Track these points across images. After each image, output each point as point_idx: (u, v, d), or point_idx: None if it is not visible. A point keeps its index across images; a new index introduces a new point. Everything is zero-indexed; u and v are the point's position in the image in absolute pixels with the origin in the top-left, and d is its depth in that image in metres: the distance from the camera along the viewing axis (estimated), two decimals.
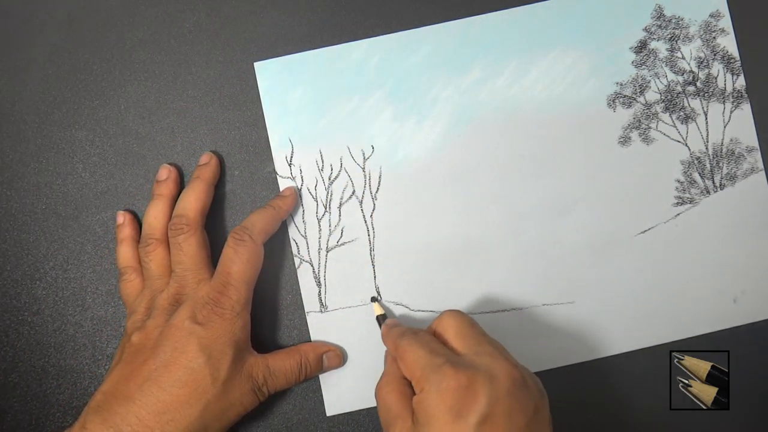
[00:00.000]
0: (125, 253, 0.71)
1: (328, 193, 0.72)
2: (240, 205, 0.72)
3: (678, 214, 0.72)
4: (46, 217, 0.72)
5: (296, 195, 0.71)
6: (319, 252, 0.72)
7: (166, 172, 0.71)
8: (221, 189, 0.72)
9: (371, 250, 0.72)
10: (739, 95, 0.73)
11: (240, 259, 0.65)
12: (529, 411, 0.57)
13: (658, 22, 0.73)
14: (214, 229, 0.71)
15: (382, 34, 0.72)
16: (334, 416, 0.72)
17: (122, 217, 0.71)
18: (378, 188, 0.72)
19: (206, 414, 0.62)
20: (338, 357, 0.71)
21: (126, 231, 0.71)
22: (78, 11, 0.72)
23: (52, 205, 0.72)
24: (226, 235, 0.71)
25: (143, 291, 0.68)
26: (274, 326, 0.72)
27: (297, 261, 0.72)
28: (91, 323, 0.72)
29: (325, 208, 0.72)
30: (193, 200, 0.68)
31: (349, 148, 0.72)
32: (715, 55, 0.73)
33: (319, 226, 0.72)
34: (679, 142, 0.73)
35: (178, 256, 0.67)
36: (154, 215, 0.69)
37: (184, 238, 0.67)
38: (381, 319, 0.70)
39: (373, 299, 0.72)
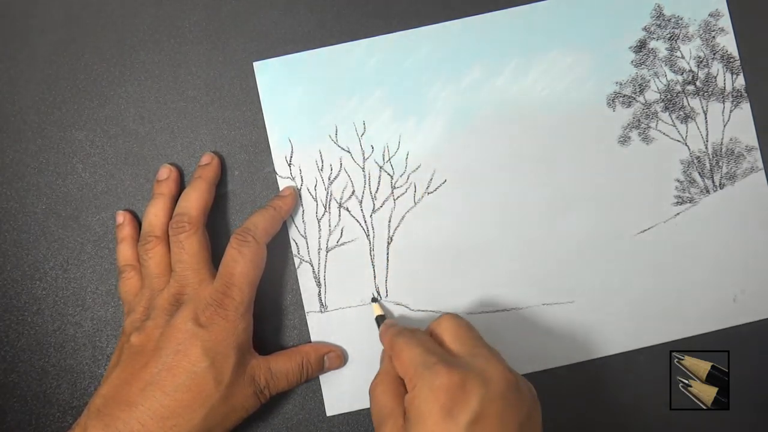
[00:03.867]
0: (125, 251, 0.71)
1: (327, 193, 0.72)
2: (240, 205, 0.72)
3: (678, 214, 0.72)
4: (46, 217, 0.72)
5: (296, 195, 0.71)
6: (319, 252, 0.72)
7: (166, 172, 0.71)
8: (221, 189, 0.72)
9: (371, 250, 0.72)
10: (739, 94, 0.73)
11: (244, 260, 0.65)
12: (522, 416, 0.57)
13: (658, 22, 0.73)
14: (214, 229, 0.70)
15: (382, 34, 0.72)
16: (334, 416, 0.72)
17: (122, 217, 0.71)
18: (378, 188, 0.72)
19: (210, 419, 0.62)
20: (339, 357, 0.71)
21: (126, 230, 0.71)
22: (78, 11, 0.72)
23: (52, 205, 0.72)
24: (226, 235, 0.71)
25: (142, 290, 0.68)
26: (274, 326, 0.72)
27: (297, 261, 0.72)
28: (91, 323, 0.72)
29: (325, 208, 0.72)
30: (195, 199, 0.68)
31: (348, 148, 0.72)
32: (714, 54, 0.73)
33: (319, 226, 0.72)
34: (678, 141, 0.73)
35: (180, 255, 0.67)
36: (155, 213, 0.69)
37: (185, 236, 0.67)
38: (380, 320, 0.70)
39: (374, 299, 0.71)
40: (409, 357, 0.59)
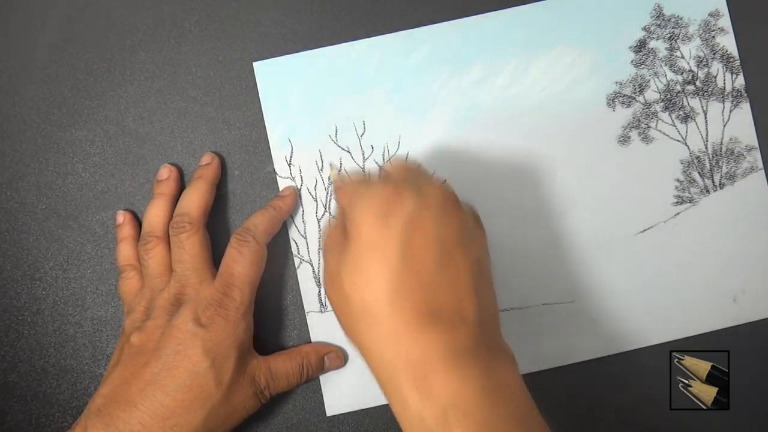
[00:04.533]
0: (125, 251, 0.71)
1: (327, 193, 0.72)
2: (240, 205, 0.72)
3: (677, 214, 0.72)
4: (46, 217, 0.72)
5: (296, 195, 0.71)
6: (319, 252, 0.72)
7: (166, 172, 0.71)
8: (221, 189, 0.72)
9: None
10: (739, 94, 0.73)
11: (244, 260, 0.65)
12: (461, 225, 0.57)
13: (658, 22, 0.73)
14: (213, 229, 0.70)
15: (382, 34, 0.73)
16: (334, 416, 0.72)
17: (122, 217, 0.71)
18: None
19: (210, 419, 0.62)
20: (339, 358, 0.71)
21: (126, 230, 0.71)
22: (78, 11, 0.72)
23: (52, 205, 0.72)
24: (225, 235, 0.71)
25: (142, 290, 0.68)
26: (274, 326, 0.72)
27: (297, 261, 0.72)
28: (91, 323, 0.72)
29: (325, 208, 0.72)
30: (196, 199, 0.68)
31: (348, 148, 0.72)
32: (714, 54, 0.73)
33: (319, 226, 0.72)
34: (678, 141, 0.73)
35: (180, 255, 0.67)
36: (155, 213, 0.69)
37: (186, 236, 0.67)
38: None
39: (331, 165, 0.73)
40: (351, 183, 0.60)
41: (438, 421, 0.51)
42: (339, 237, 0.60)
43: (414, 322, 0.54)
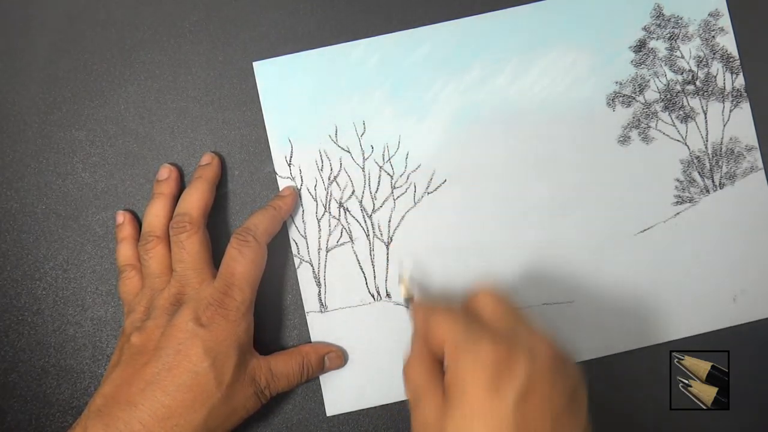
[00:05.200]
0: (125, 251, 0.71)
1: (327, 193, 0.72)
2: (240, 205, 0.72)
3: (677, 213, 0.72)
4: (46, 217, 0.72)
5: (296, 194, 0.71)
6: (319, 252, 0.72)
7: (166, 172, 0.71)
8: (221, 189, 0.72)
9: (371, 250, 0.72)
10: (739, 94, 0.73)
11: (245, 260, 0.65)
12: (569, 391, 0.54)
13: (658, 22, 0.73)
14: (213, 229, 0.70)
15: (382, 34, 0.73)
16: (334, 416, 0.72)
17: (122, 217, 0.71)
18: (378, 188, 0.72)
19: (211, 419, 0.62)
20: (339, 358, 0.71)
21: (126, 230, 0.71)
22: (78, 11, 0.73)
23: (52, 205, 0.72)
24: (225, 235, 0.71)
25: (143, 290, 0.68)
26: (274, 326, 0.72)
27: (297, 261, 0.72)
28: (91, 323, 0.72)
29: (325, 208, 0.72)
30: (196, 199, 0.68)
31: (348, 148, 0.72)
32: (714, 54, 0.73)
33: (319, 226, 0.72)
34: (678, 141, 0.73)
35: (180, 255, 0.67)
36: (155, 213, 0.70)
37: (186, 236, 0.67)
38: (408, 302, 0.69)
39: (400, 280, 0.71)
40: (449, 333, 0.56)
41: None
42: (428, 380, 0.57)
43: None
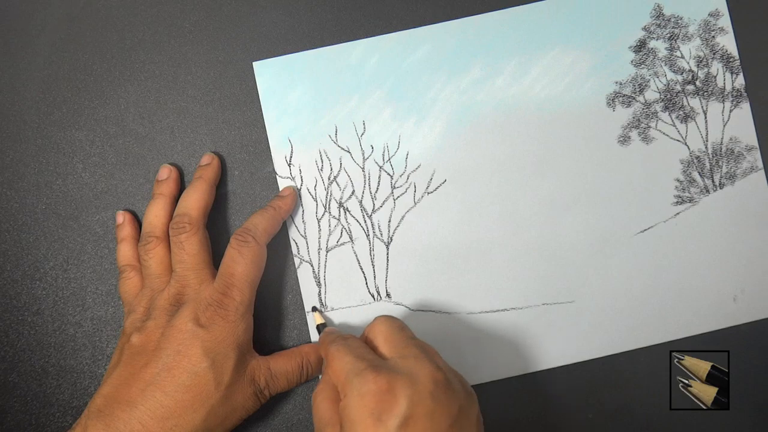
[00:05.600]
0: (125, 251, 0.71)
1: (327, 193, 0.72)
2: (240, 205, 0.72)
3: (677, 213, 0.72)
4: (46, 217, 0.72)
5: (296, 195, 0.71)
6: (319, 252, 0.72)
7: (166, 172, 0.71)
8: (221, 189, 0.72)
9: (371, 250, 0.72)
10: (739, 94, 0.73)
11: (244, 261, 0.65)
12: (453, 412, 0.56)
13: (658, 21, 0.73)
14: (213, 229, 0.71)
15: (382, 34, 0.73)
16: None
17: (122, 217, 0.71)
18: (377, 188, 0.72)
19: (210, 419, 0.62)
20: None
21: (126, 230, 0.71)
22: (78, 11, 0.73)
23: (52, 205, 0.72)
24: (225, 235, 0.71)
25: (143, 290, 0.68)
26: (274, 326, 0.72)
27: (297, 261, 0.72)
28: (91, 323, 0.72)
29: (325, 208, 0.72)
30: (196, 200, 0.68)
31: (348, 148, 0.72)
32: (714, 54, 0.73)
33: (319, 226, 0.72)
34: (678, 141, 0.73)
35: (180, 255, 0.67)
36: (155, 214, 0.70)
37: (186, 236, 0.67)
38: (321, 328, 0.70)
39: (314, 309, 0.72)
40: (340, 365, 0.59)
41: None
42: (329, 412, 0.60)
43: None
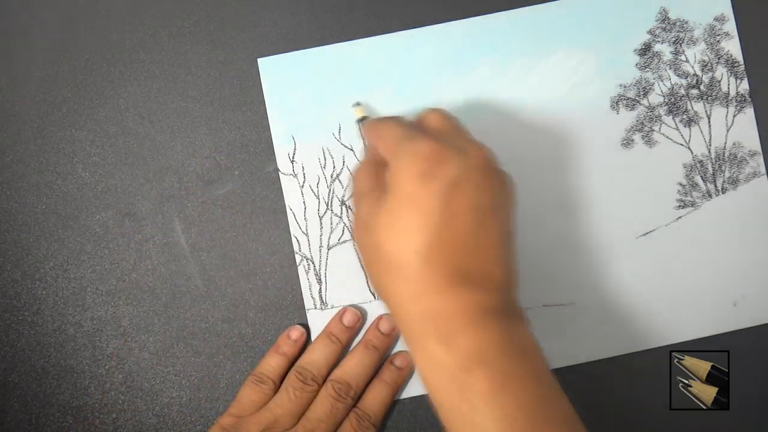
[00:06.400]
0: (277, 365, 0.70)
1: (330, 190, 0.72)
2: (240, 205, 0.72)
3: (679, 217, 0.72)
4: (46, 217, 0.72)
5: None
6: (320, 249, 0.72)
7: (355, 319, 0.72)
8: (221, 189, 0.72)
9: None
10: (743, 99, 0.73)
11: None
12: (497, 191, 0.58)
13: (663, 25, 0.73)
14: (213, 228, 0.71)
15: (387, 33, 0.72)
16: None
17: (298, 333, 0.71)
18: None
19: None
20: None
21: (293, 349, 0.71)
22: (78, 11, 0.72)
23: (52, 205, 0.72)
24: (225, 235, 0.71)
25: (264, 410, 0.68)
26: (274, 323, 0.72)
27: (298, 258, 0.72)
28: (91, 323, 0.72)
29: (327, 206, 0.72)
30: (362, 375, 0.69)
31: (351, 146, 0.72)
32: (719, 58, 0.73)
33: (321, 223, 0.72)
34: (681, 145, 0.73)
35: (322, 415, 0.67)
36: (326, 358, 0.70)
37: (343, 408, 0.67)
38: (361, 122, 0.71)
39: (357, 103, 0.72)
40: (390, 133, 0.60)
41: (461, 369, 0.53)
42: (372, 182, 0.61)
43: (445, 280, 0.55)
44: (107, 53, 0.72)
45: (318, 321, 0.72)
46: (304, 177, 0.72)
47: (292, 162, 0.72)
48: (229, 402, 0.70)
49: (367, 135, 0.66)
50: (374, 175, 0.61)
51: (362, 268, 0.63)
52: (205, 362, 0.71)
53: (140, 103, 0.72)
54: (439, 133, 0.60)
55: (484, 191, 0.57)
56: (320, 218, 0.72)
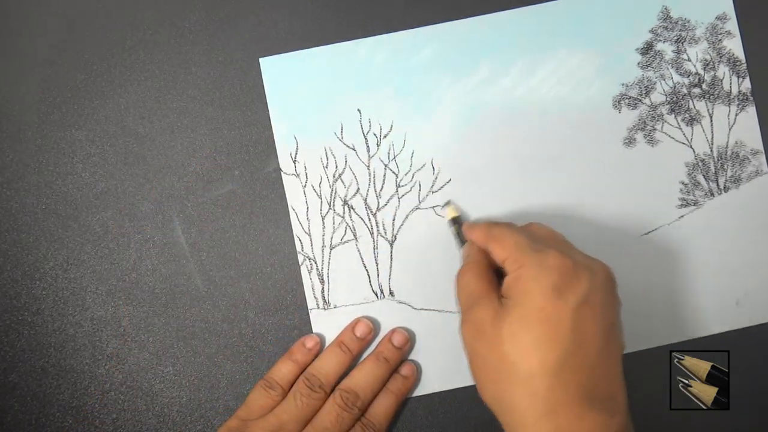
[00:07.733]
0: (288, 372, 0.70)
1: (332, 190, 0.72)
2: (240, 205, 0.72)
3: (682, 216, 0.72)
4: (46, 217, 0.71)
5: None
6: (323, 249, 0.72)
7: (366, 330, 0.71)
8: (221, 189, 0.72)
9: (375, 248, 0.72)
10: (745, 98, 0.73)
11: None
12: (617, 310, 0.59)
13: (665, 24, 0.73)
14: (213, 228, 0.71)
15: (389, 32, 0.72)
16: None
17: (313, 343, 0.71)
18: (382, 186, 0.72)
19: None
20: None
21: (306, 357, 0.70)
22: (78, 11, 0.72)
23: (52, 205, 0.71)
24: (225, 235, 0.71)
25: (271, 415, 0.67)
26: (276, 324, 0.72)
27: (300, 258, 0.72)
28: (91, 323, 0.72)
29: (330, 206, 0.72)
30: (371, 386, 0.69)
31: (353, 146, 0.72)
32: (721, 57, 0.73)
33: (323, 223, 0.72)
34: (683, 144, 0.73)
35: (331, 424, 0.66)
36: (336, 367, 0.69)
37: (349, 418, 0.67)
38: (454, 221, 0.71)
39: (447, 203, 0.72)
40: (513, 240, 0.60)
41: None
42: (485, 285, 0.60)
43: (575, 399, 0.54)
44: (107, 53, 0.72)
45: (320, 321, 0.72)
46: (307, 177, 0.72)
47: (295, 162, 0.72)
48: (228, 402, 0.70)
49: (478, 238, 0.64)
50: (484, 277, 0.61)
51: (471, 372, 0.61)
52: (205, 362, 0.71)
53: (140, 103, 0.72)
54: (557, 246, 0.60)
55: (610, 309, 0.57)
56: (323, 218, 0.72)
